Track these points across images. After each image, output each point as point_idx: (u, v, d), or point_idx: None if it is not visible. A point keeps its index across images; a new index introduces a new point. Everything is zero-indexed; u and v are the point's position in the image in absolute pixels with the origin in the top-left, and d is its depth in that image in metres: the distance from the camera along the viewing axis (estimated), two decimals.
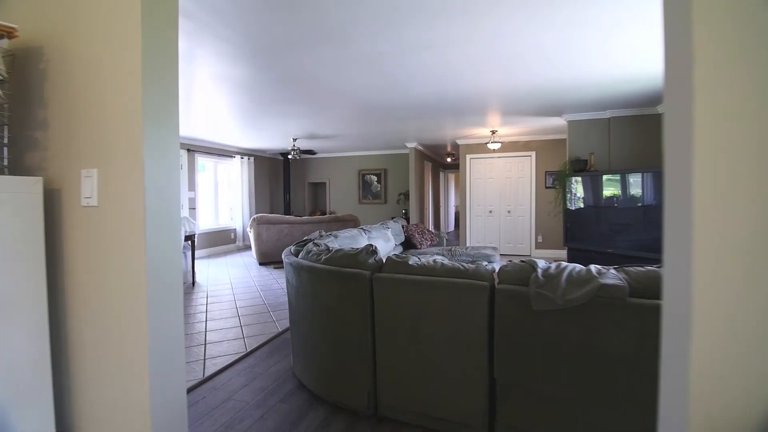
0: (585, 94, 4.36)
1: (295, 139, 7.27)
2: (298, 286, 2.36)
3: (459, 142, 7.64)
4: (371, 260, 2.09)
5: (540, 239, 7.33)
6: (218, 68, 3.41)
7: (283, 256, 2.64)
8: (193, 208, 7.44)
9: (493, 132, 6.58)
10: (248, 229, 6.62)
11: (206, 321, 3.67)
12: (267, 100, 4.57)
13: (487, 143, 6.75)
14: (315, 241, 2.75)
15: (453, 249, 4.96)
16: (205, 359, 2.77)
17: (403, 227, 5.24)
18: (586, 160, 5.34)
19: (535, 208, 7.32)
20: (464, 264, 1.93)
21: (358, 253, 2.14)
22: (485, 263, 1.95)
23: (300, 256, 2.48)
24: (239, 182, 8.57)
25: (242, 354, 2.85)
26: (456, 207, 14.68)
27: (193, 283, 5.17)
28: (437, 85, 3.97)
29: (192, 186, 7.46)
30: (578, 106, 5.01)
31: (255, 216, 6.54)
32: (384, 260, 2.09)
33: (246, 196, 8.71)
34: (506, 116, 5.55)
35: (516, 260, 1.89)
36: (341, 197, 9.78)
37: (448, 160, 9.96)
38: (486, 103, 4.78)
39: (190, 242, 5.14)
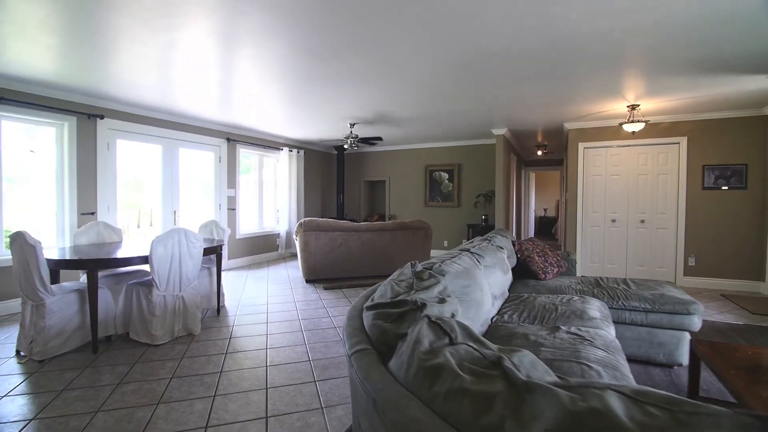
0: None
1: (352, 125, 5.79)
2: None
3: (568, 126, 5.68)
4: None
5: (692, 262, 5.13)
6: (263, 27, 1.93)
7: (347, 348, 1.06)
8: (232, 209, 6.24)
9: (634, 107, 4.56)
10: (294, 236, 5.24)
11: (214, 398, 2.21)
12: (324, 60, 3.08)
13: (621, 124, 4.75)
14: (412, 298, 1.14)
15: (604, 282, 3.10)
16: None
17: (513, 244, 3.48)
18: None
19: (685, 217, 5.15)
20: None
21: None
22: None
23: (396, 364, 0.86)
24: (286, 179, 7.30)
25: None
26: (537, 213, 12.47)
27: (219, 309, 3.82)
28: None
29: (232, 182, 6.27)
30: None
31: (302, 220, 5.13)
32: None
33: (294, 196, 7.42)
34: (658, 77, 3.56)
35: None
36: (403, 198, 8.18)
37: (539, 153, 7.95)
38: (626, 50, 2.87)
39: (215, 255, 3.80)
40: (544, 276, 3.23)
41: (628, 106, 4.60)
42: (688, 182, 5.12)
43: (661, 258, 5.29)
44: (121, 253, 3.07)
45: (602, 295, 2.82)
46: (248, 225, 6.76)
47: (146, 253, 2.97)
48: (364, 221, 8.46)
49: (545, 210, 13.19)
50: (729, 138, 4.92)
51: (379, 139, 5.98)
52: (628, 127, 4.64)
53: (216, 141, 5.95)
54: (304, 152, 7.79)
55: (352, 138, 5.83)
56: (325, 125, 6.01)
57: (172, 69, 3.44)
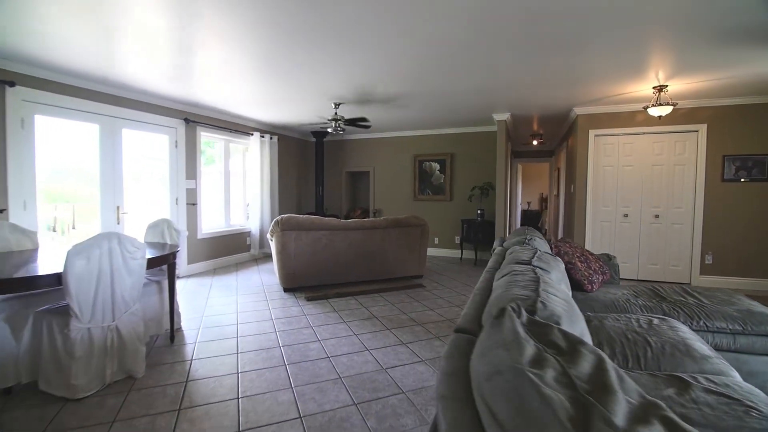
0: None
1: (337, 105, 4.96)
2: None
3: (577, 111, 5.14)
4: None
5: (709, 260, 4.75)
6: None
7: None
8: (193, 204, 5.26)
9: (661, 89, 4.04)
10: (268, 236, 4.39)
11: None
12: (309, 4, 2.26)
13: (646, 107, 4.22)
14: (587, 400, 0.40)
15: (665, 293, 2.52)
16: None
17: (550, 247, 2.84)
18: None
19: (703, 212, 4.75)
20: None
21: None
22: None
23: None
24: (258, 169, 6.35)
25: None
26: (521, 206, 12.12)
27: (172, 337, 2.94)
28: None
29: (192, 172, 5.28)
30: None
31: (279, 218, 4.28)
32: None
33: (266, 189, 6.49)
34: (685, 50, 3.02)
35: None
36: (390, 192, 7.43)
37: (534, 143, 7.44)
38: (654, 12, 2.30)
39: (166, 266, 2.91)
40: (590, 287, 2.61)
41: (654, 87, 4.07)
42: (707, 174, 4.71)
43: (677, 255, 4.89)
44: (24, 270, 2.15)
45: (675, 312, 2.23)
46: (213, 222, 5.79)
47: (60, 268, 2.07)
48: (347, 217, 7.67)
49: (528, 203, 12.89)
50: (751, 126, 4.53)
51: (368, 121, 5.19)
52: (655, 111, 4.12)
53: (171, 121, 4.94)
54: (278, 139, 6.86)
55: (337, 120, 5.00)
56: (304, 105, 5.14)
57: (112, 20, 2.50)
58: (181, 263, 5.05)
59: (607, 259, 3.09)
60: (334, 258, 4.44)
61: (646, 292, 2.58)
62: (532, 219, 12.32)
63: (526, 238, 2.51)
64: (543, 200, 12.76)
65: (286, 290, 4.35)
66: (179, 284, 4.61)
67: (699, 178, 4.74)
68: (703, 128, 4.70)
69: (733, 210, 4.63)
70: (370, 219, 4.77)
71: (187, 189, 5.17)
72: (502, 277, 1.52)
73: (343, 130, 5.18)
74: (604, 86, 4.13)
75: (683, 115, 4.77)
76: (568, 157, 6.10)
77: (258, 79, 3.97)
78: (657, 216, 4.95)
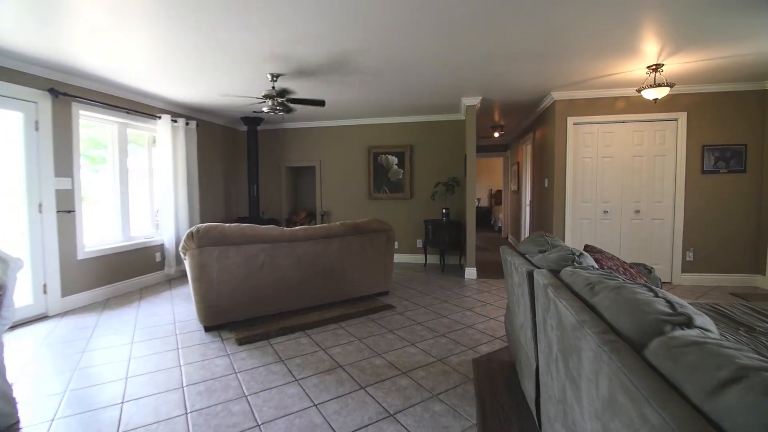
0: None
1: (275, 77, 3.81)
2: None
3: (556, 95, 4.57)
4: None
5: (690, 257, 4.47)
6: None
7: None
8: (68, 211, 3.75)
9: (656, 68, 3.54)
10: (181, 253, 3.13)
11: None
12: None
13: (639, 90, 3.72)
14: None
15: (737, 314, 1.87)
16: None
17: None
18: None
19: (684, 206, 4.44)
20: None
21: None
22: None
23: None
24: (170, 163, 4.91)
25: None
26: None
27: None
28: None
29: (66, 167, 3.76)
30: None
31: (194, 229, 3.04)
32: None
33: (182, 189, 5.07)
34: (686, 18, 2.53)
35: None
36: (340, 190, 6.39)
37: (496, 134, 6.90)
38: None
39: None
40: None
41: (649, 67, 3.57)
42: (687, 165, 4.41)
43: (658, 253, 4.55)
44: None
45: (759, 344, 1.57)
46: (104, 235, 4.28)
47: None
48: (289, 222, 6.49)
49: (479, 200, 12.63)
50: (730, 114, 4.30)
51: (321, 104, 4.10)
52: (650, 93, 3.63)
53: (26, 92, 3.40)
54: (198, 125, 5.45)
55: (272, 99, 3.85)
56: (231, 75, 3.90)
57: None
58: (51, 297, 3.55)
59: (647, 272, 2.42)
60: (277, 280, 3.31)
61: (709, 314, 1.91)
62: (482, 216, 12.06)
63: (574, 256, 1.69)
64: (492, 196, 12.60)
65: (208, 329, 3.13)
66: (41, 329, 3.16)
67: (679, 170, 4.43)
68: (683, 116, 4.38)
69: (713, 203, 4.38)
70: (323, 226, 3.71)
71: (57, 190, 3.65)
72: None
73: (285, 110, 4.04)
74: (587, 64, 3.55)
75: (664, 103, 4.40)
76: (539, 149, 5.59)
77: (163, 29, 2.70)
78: (637, 211, 4.57)
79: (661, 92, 3.57)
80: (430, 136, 5.98)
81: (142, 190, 4.87)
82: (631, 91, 4.35)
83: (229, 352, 2.71)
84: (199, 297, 3.02)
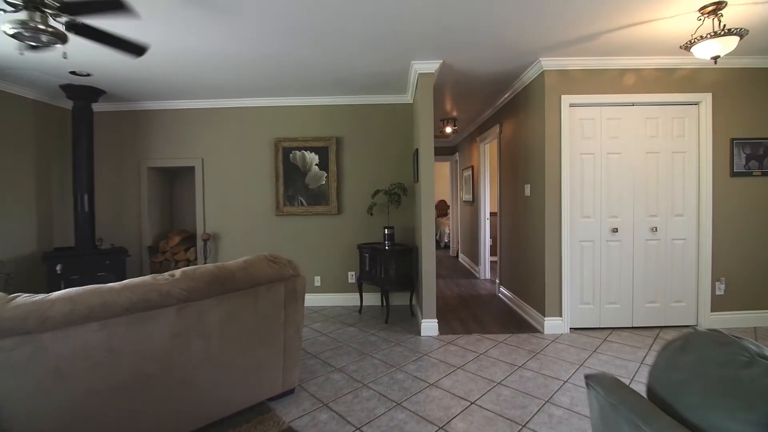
0: None
1: None
2: None
3: (545, 62, 3.14)
4: None
5: (720, 290, 3.28)
6: None
7: None
8: None
9: (717, 7, 2.22)
10: None
11: None
12: None
13: (688, 46, 2.37)
14: None
15: None
16: None
17: None
18: None
19: (711, 220, 3.26)
20: None
21: None
22: None
23: None
24: None
25: None
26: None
27: None
28: None
29: None
30: None
31: None
32: None
33: None
34: None
35: None
36: (233, 202, 4.33)
37: (448, 129, 5.41)
38: None
39: None
40: None
41: (701, 9, 2.24)
42: (713, 165, 3.24)
43: (680, 286, 3.30)
44: None
45: None
46: None
47: None
48: (154, 249, 4.27)
49: None
50: (764, 99, 3.23)
51: (139, 52, 2.11)
52: (707, 48, 2.29)
53: None
54: None
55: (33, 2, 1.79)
56: None
57: None
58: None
59: None
60: (87, 400, 1.25)
61: None
62: None
63: None
64: (435, 207, 11.30)
65: None
66: None
67: (703, 172, 3.24)
68: (707, 99, 3.22)
69: (746, 215, 3.26)
70: (138, 283, 1.72)
71: None
72: None
73: (59, 40, 1.96)
74: (602, 8, 2.13)
75: (682, 80, 3.21)
76: (512, 145, 4.17)
77: None
78: (654, 229, 3.29)
79: (729, 44, 2.25)
80: (365, 125, 4.24)
81: None
82: (644, 62, 3.09)
83: None
84: None
